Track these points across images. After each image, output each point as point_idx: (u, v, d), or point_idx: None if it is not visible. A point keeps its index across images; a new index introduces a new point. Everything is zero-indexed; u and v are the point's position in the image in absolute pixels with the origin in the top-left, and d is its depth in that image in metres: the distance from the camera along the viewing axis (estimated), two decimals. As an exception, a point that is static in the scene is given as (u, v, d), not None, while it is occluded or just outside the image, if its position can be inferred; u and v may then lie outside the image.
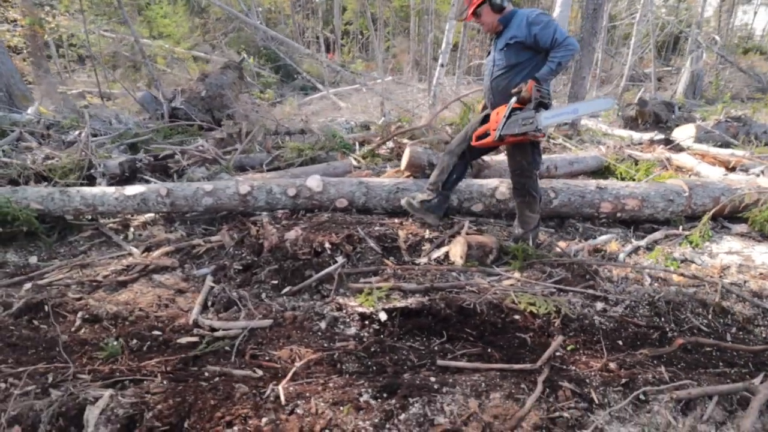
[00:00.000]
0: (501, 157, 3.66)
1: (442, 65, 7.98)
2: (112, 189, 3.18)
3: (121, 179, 4.10)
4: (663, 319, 2.24)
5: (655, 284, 2.50)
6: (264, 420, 1.49)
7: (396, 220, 3.14)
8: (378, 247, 2.70)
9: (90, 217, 3.47)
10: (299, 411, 1.53)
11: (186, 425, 1.54)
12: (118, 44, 11.24)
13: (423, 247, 2.81)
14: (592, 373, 1.76)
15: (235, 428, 1.47)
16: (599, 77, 11.56)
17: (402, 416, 1.55)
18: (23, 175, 3.80)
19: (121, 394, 1.66)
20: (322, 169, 3.75)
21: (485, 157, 3.49)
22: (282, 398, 1.59)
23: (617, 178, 4.36)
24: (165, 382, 1.75)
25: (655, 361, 1.89)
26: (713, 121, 6.06)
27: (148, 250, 2.99)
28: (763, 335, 2.16)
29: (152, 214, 3.48)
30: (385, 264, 2.63)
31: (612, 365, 1.82)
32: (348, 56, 21.38)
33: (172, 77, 11.22)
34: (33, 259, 2.97)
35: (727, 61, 10.53)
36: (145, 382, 1.77)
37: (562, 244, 2.94)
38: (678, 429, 1.46)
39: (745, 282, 2.53)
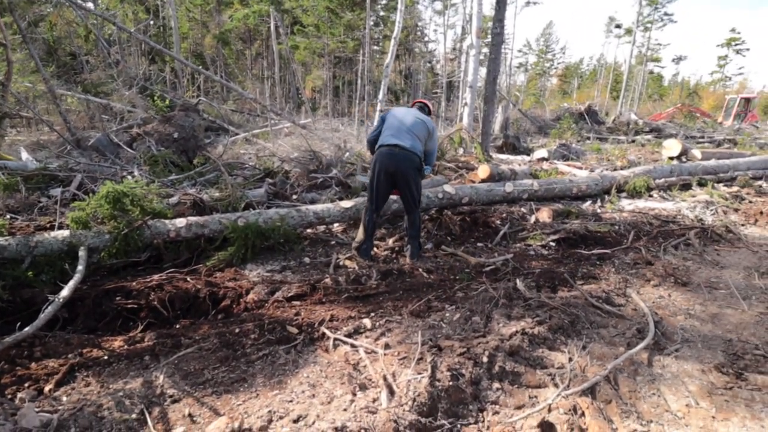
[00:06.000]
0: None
1: (381, 110, 10.31)
2: (331, 205, 4.37)
3: (266, 204, 4.95)
4: (634, 228, 5.16)
5: (619, 217, 5.47)
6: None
7: (503, 206, 5.38)
8: (517, 218, 4.91)
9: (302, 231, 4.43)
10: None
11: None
12: None
13: (526, 217, 5.14)
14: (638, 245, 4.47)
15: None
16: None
17: (606, 267, 3.89)
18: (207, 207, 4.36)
19: (515, 281, 3.46)
20: (429, 183, 5.58)
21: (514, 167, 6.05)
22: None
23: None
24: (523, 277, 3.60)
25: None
26: (554, 146, 10.26)
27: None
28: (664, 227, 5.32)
29: (337, 224, 4.68)
30: (524, 224, 4.85)
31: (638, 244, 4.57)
32: (190, 94, 21.10)
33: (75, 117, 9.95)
34: (306, 260, 3.95)
35: (521, 112, 16.35)
36: (511, 278, 3.56)
37: (589, 207, 5.71)
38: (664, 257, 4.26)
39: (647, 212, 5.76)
